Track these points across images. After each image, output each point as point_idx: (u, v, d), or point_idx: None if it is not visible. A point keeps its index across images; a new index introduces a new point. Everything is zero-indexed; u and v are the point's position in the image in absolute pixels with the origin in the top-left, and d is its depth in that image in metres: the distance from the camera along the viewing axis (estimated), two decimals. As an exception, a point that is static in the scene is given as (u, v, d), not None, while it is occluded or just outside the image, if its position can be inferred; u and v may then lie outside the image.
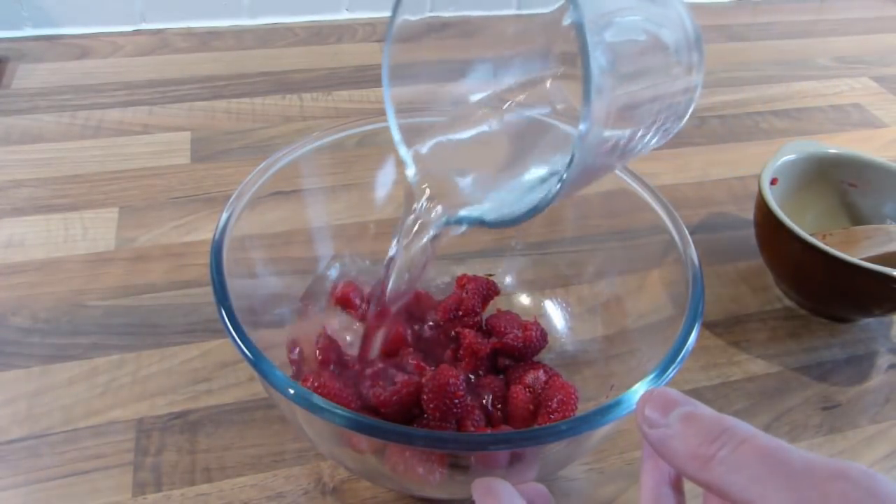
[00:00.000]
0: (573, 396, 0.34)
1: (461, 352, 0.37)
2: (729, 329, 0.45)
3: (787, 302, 0.47)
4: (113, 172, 0.54)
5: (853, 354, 0.44)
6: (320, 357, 0.37)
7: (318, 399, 0.26)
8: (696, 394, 0.40)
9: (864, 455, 0.38)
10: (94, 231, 0.48)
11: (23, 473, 0.35)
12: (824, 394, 0.41)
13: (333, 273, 0.43)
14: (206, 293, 0.44)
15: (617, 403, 0.26)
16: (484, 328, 0.39)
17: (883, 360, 0.44)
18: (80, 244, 0.47)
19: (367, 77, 0.68)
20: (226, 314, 0.28)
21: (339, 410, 0.25)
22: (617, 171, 0.37)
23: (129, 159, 0.55)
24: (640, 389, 0.27)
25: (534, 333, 0.37)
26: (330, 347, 0.37)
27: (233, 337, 0.28)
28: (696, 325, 0.30)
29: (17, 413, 0.37)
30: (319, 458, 0.36)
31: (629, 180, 0.37)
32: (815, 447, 0.38)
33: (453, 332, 0.39)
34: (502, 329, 0.38)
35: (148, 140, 0.58)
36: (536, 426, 0.34)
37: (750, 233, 0.47)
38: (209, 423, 0.37)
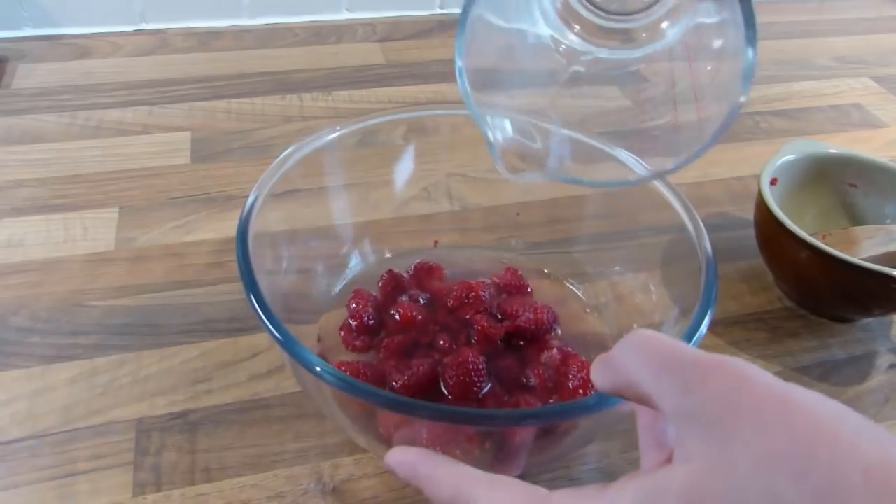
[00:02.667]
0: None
1: (475, 336, 0.38)
2: (729, 329, 0.45)
3: (787, 302, 0.47)
4: (113, 172, 0.54)
5: (853, 354, 0.44)
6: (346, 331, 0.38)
7: (355, 381, 0.26)
8: (696, 394, 0.40)
9: (864, 455, 0.38)
10: (94, 231, 0.48)
11: (23, 473, 0.34)
12: (824, 394, 0.41)
13: (354, 263, 0.43)
14: (206, 293, 0.44)
15: None
16: (496, 312, 0.40)
17: (883, 360, 0.44)
18: (80, 244, 0.47)
19: (367, 77, 0.68)
20: (255, 300, 0.29)
21: (379, 391, 0.26)
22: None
23: (129, 159, 0.55)
24: None
25: (545, 316, 0.38)
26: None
27: (263, 321, 0.28)
28: (710, 311, 0.30)
29: (17, 413, 0.37)
30: (319, 457, 0.36)
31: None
32: (815, 447, 0.38)
33: (468, 317, 0.39)
34: (514, 312, 0.39)
35: (148, 140, 0.58)
36: (573, 401, 0.34)
37: (750, 233, 0.47)
38: (209, 423, 0.37)
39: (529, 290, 0.42)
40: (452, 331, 0.38)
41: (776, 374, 0.43)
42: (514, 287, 0.41)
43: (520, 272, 0.42)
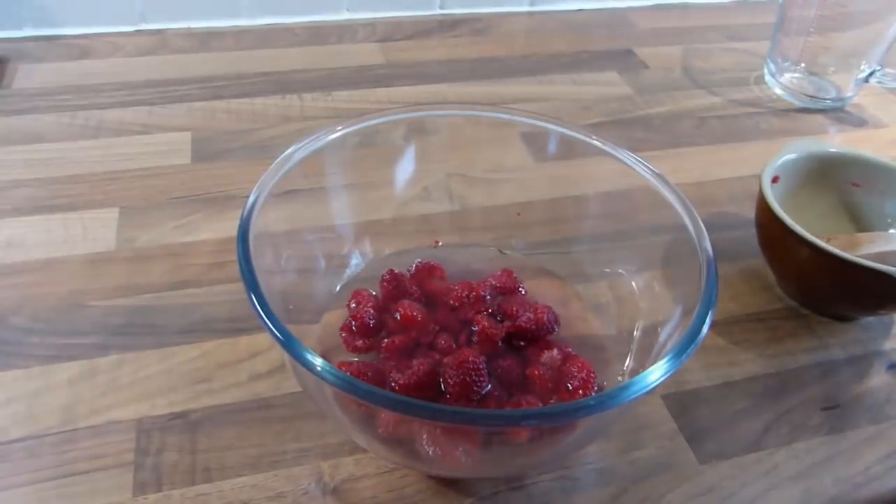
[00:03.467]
0: (592, 375, 0.35)
1: (476, 336, 0.38)
2: (729, 329, 0.45)
3: (788, 302, 0.47)
4: (113, 172, 0.54)
5: (853, 354, 0.44)
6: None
7: (356, 381, 0.26)
8: (696, 394, 0.41)
9: (864, 455, 0.38)
10: (94, 231, 0.48)
11: (23, 473, 0.34)
12: (824, 394, 0.41)
13: (355, 262, 0.43)
14: (206, 293, 0.44)
15: (643, 378, 0.27)
16: (496, 313, 0.40)
17: (883, 360, 0.44)
18: (80, 244, 0.47)
19: (367, 77, 0.68)
20: (256, 300, 0.29)
21: (379, 391, 0.26)
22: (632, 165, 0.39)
23: (129, 159, 0.55)
24: (660, 367, 0.28)
25: (545, 316, 0.38)
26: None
27: (264, 321, 0.28)
28: (710, 311, 0.30)
29: (17, 413, 0.37)
30: (319, 457, 0.36)
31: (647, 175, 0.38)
32: (815, 447, 0.38)
33: (468, 317, 0.39)
34: (514, 312, 0.39)
35: (148, 140, 0.58)
36: (573, 401, 0.34)
37: (750, 233, 0.47)
38: (209, 423, 0.37)
39: (523, 291, 0.42)
40: (453, 331, 0.38)
41: (776, 374, 0.43)
42: (506, 288, 0.41)
43: (513, 273, 0.42)
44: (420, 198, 0.45)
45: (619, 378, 0.37)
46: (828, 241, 0.43)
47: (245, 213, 0.33)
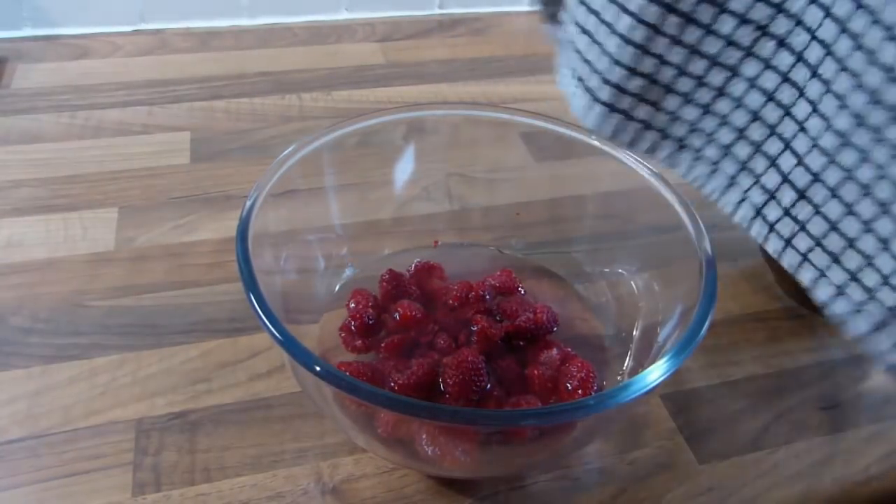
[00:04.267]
0: (591, 374, 0.35)
1: (475, 336, 0.38)
2: (729, 329, 0.45)
3: (787, 302, 0.47)
4: (113, 172, 0.54)
5: (853, 354, 0.44)
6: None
7: (355, 381, 0.26)
8: (696, 394, 0.41)
9: (864, 455, 0.38)
10: (94, 231, 0.48)
11: (23, 473, 0.35)
12: (824, 394, 0.41)
13: (354, 262, 0.43)
14: (206, 293, 0.44)
15: (642, 378, 0.27)
16: (495, 313, 0.40)
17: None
18: (80, 244, 0.47)
19: (367, 77, 0.68)
20: (255, 300, 0.29)
21: (379, 391, 0.26)
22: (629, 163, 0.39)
23: (129, 159, 0.55)
24: (659, 367, 0.28)
25: (545, 316, 0.38)
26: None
27: (263, 321, 0.28)
28: (710, 311, 0.30)
29: (17, 413, 0.37)
30: (319, 457, 0.36)
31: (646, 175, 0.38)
32: (815, 447, 0.38)
33: (467, 317, 0.39)
34: (514, 312, 0.39)
35: (148, 140, 0.58)
36: (573, 401, 0.34)
37: (750, 233, 0.47)
38: (209, 423, 0.37)
39: (522, 291, 0.42)
40: (452, 330, 0.38)
41: (776, 374, 0.43)
42: (506, 288, 0.41)
43: (513, 273, 0.42)
44: (419, 198, 0.46)
45: (619, 378, 0.37)
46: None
47: (244, 213, 0.33)
